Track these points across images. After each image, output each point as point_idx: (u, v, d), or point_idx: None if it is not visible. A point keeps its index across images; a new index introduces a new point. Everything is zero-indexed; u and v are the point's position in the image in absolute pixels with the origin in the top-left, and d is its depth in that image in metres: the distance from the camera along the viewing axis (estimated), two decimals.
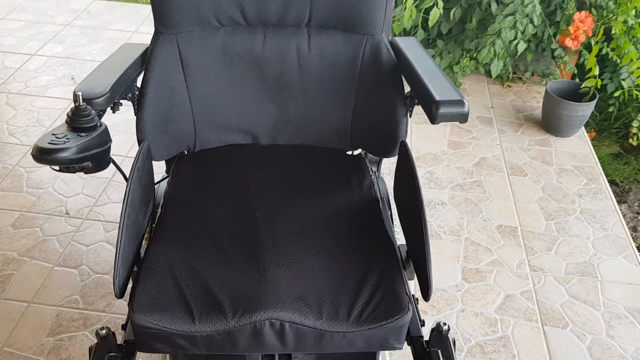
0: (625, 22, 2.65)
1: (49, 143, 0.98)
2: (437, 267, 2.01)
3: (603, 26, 2.72)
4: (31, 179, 2.32)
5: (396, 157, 1.36)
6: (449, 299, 1.91)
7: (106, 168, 1.12)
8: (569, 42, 2.69)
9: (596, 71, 2.58)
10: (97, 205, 2.22)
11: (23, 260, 1.97)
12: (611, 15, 2.68)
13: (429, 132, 2.72)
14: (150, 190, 1.31)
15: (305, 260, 1.16)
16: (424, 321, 1.19)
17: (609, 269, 2.06)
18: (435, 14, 2.65)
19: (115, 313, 1.82)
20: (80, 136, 1.02)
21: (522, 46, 2.64)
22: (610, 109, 2.99)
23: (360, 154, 1.55)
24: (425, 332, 1.16)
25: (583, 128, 2.81)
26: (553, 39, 2.85)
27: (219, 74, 1.39)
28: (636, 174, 2.92)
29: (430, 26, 2.76)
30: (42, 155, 0.98)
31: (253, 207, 1.29)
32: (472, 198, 2.34)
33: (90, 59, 3.17)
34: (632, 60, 2.62)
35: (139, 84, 1.36)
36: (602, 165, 2.63)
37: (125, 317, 1.16)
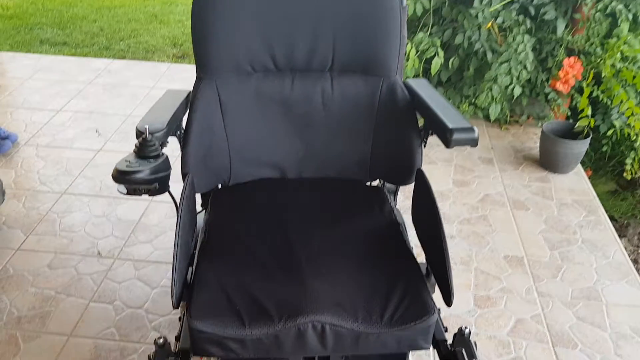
0: (613, 65, 2.86)
1: (127, 167, 1.14)
2: None
3: (592, 70, 2.93)
4: (64, 223, 2.46)
5: (411, 187, 1.52)
6: (463, 324, 2.02)
7: (166, 192, 1.27)
8: (560, 86, 2.90)
9: (588, 111, 2.77)
10: (126, 246, 2.35)
11: (60, 298, 2.09)
12: (599, 60, 2.90)
13: (434, 172, 2.89)
14: (195, 217, 1.46)
15: (338, 274, 1.29)
16: (446, 327, 1.32)
17: (613, 293, 2.18)
18: (436, 63, 2.86)
19: (149, 343, 1.93)
20: (149, 162, 1.17)
21: (517, 90, 2.85)
22: (604, 148, 3.17)
23: (379, 184, 1.70)
24: (448, 337, 1.29)
25: (580, 165, 2.98)
26: (546, 83, 3.06)
27: (252, 114, 1.56)
28: (633, 209, 3.07)
29: (432, 74, 2.97)
30: (122, 176, 1.13)
31: (286, 230, 1.44)
32: (479, 231, 2.48)
33: (112, 113, 3.37)
34: (622, 101, 2.81)
35: (183, 123, 1.52)
36: (600, 201, 2.78)
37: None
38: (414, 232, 1.49)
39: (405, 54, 1.62)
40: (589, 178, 3.10)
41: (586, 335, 1.99)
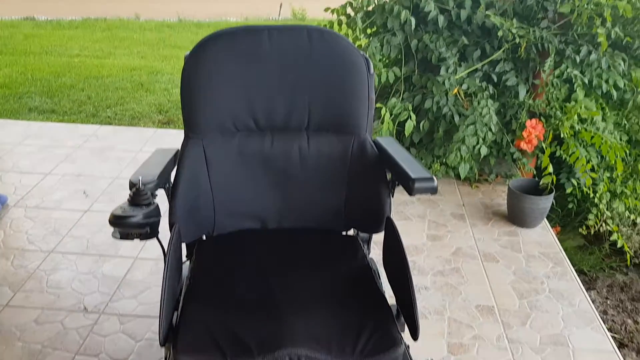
0: (572, 127, 3.08)
1: (122, 212, 1.26)
2: (425, 341, 2.22)
3: (553, 131, 3.15)
4: (51, 280, 2.54)
5: (382, 236, 1.66)
6: None
7: (156, 236, 1.38)
8: (524, 145, 3.10)
9: (550, 169, 2.96)
10: (112, 301, 2.43)
11: (47, 352, 2.15)
12: (559, 122, 3.13)
13: (410, 228, 3.03)
14: (180, 265, 1.57)
15: (314, 312, 1.41)
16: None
17: (579, 339, 2.29)
18: (409, 126, 3.07)
19: None
20: (142, 208, 1.30)
21: (484, 150, 3.04)
22: (570, 206, 3.35)
23: (353, 234, 1.84)
24: None
25: (545, 219, 3.15)
26: (511, 144, 3.27)
27: (235, 170, 1.71)
28: (601, 263, 3.23)
29: (405, 136, 3.17)
30: (117, 220, 1.26)
31: (266, 275, 1.56)
32: (452, 282, 2.60)
33: (99, 175, 3.50)
34: (578, 159, 3.01)
35: (171, 178, 1.66)
36: (569, 256, 2.92)
37: None
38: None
39: (374, 115, 1.79)
40: (558, 234, 3.26)
41: None
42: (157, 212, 1.36)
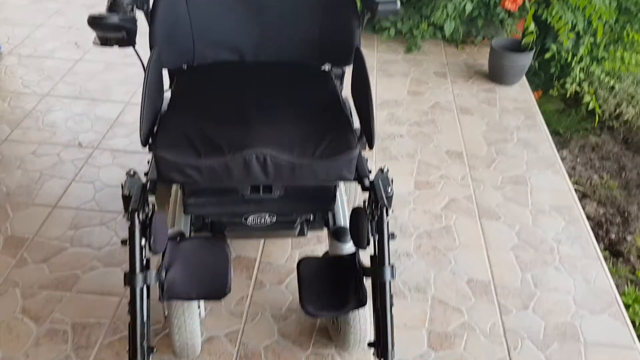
0: None
1: (98, 14, 1.36)
2: (394, 178, 2.39)
3: None
4: (47, 120, 2.68)
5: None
6: (404, 204, 2.31)
7: (134, 45, 1.49)
8: (508, 5, 3.12)
9: (532, 27, 3.01)
10: (105, 139, 2.59)
11: (45, 178, 2.33)
12: None
13: (392, 84, 3.13)
14: (161, 86, 1.68)
15: (281, 123, 1.54)
16: (370, 170, 1.59)
17: (539, 179, 2.48)
18: None
19: None
20: (118, 14, 1.40)
21: (469, 6, 3.07)
22: (552, 70, 3.42)
23: (327, 70, 1.94)
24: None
25: (525, 78, 3.24)
26: (498, 4, 3.28)
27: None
28: (577, 125, 3.36)
29: None
30: (95, 20, 1.36)
31: (241, 96, 1.68)
32: (426, 132, 2.75)
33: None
34: (561, 19, 3.04)
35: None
36: (547, 119, 3.04)
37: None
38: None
39: None
40: (539, 98, 3.37)
41: (509, 211, 2.29)
42: (133, 21, 1.45)
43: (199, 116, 1.56)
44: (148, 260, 1.38)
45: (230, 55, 1.89)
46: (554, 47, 3.22)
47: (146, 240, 1.36)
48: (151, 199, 1.48)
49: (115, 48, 1.49)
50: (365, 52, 1.62)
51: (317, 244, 2.09)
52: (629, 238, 2.59)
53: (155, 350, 1.37)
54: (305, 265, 1.52)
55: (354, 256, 1.51)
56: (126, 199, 1.40)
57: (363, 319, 1.59)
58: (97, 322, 1.77)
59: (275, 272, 1.98)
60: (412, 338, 1.80)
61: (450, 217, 2.24)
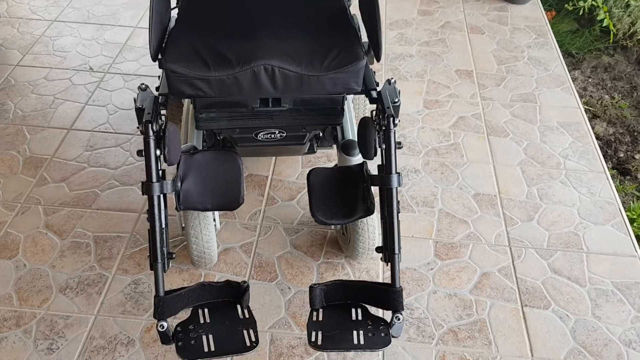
0: None
1: None
2: (403, 98, 2.41)
3: None
4: (57, 45, 2.69)
5: None
6: (413, 121, 2.33)
7: None
8: None
9: None
10: (115, 63, 2.60)
11: (59, 102, 2.37)
12: None
13: (402, 4, 3.08)
14: (168, 2, 1.68)
15: (289, 38, 1.55)
16: (378, 83, 1.60)
17: (548, 97, 2.48)
18: None
19: (140, 135, 2.23)
20: None
21: None
22: None
23: None
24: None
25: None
26: None
27: None
28: (590, 45, 3.30)
29: None
30: None
31: (249, 12, 1.68)
32: (436, 51, 2.73)
33: None
34: None
35: None
36: (559, 40, 2.99)
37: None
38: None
39: None
40: (552, 19, 3.30)
41: (517, 128, 2.31)
42: None
43: (207, 31, 1.57)
44: (164, 172, 1.43)
45: None
46: None
47: (161, 152, 1.40)
48: (163, 112, 1.51)
49: None
50: None
51: (326, 162, 2.14)
52: (637, 157, 2.60)
53: (174, 256, 1.44)
54: (315, 176, 1.57)
55: (361, 166, 1.55)
56: (139, 111, 1.44)
57: (371, 228, 1.65)
58: (117, 236, 1.86)
59: (286, 189, 2.04)
60: (419, 248, 1.86)
61: (458, 134, 2.27)
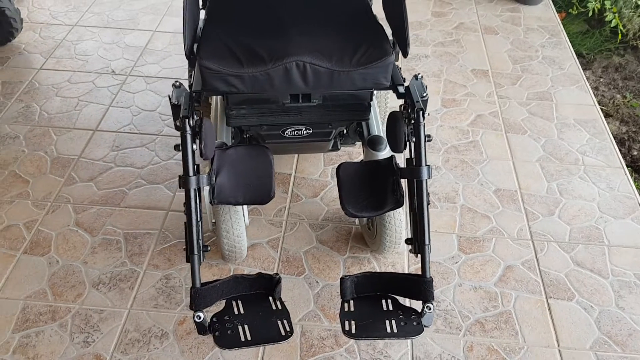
0: None
1: None
2: None
3: None
4: (78, 49, 2.74)
5: None
6: (431, 120, 2.37)
7: None
8: None
9: None
10: (136, 66, 2.65)
11: (83, 104, 2.42)
12: None
13: (416, 6, 3.12)
14: (197, 2, 1.72)
15: (319, 34, 1.59)
16: (405, 79, 1.64)
17: (564, 95, 2.51)
18: None
19: (163, 135, 2.27)
20: None
21: None
22: None
23: None
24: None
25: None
26: None
27: None
28: (600, 46, 3.34)
29: None
30: None
31: (277, 10, 1.72)
32: (451, 51, 2.77)
33: None
34: None
35: None
36: (570, 40, 3.03)
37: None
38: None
39: None
40: (563, 20, 3.34)
41: (535, 125, 2.34)
42: None
43: (238, 29, 1.61)
44: (198, 166, 1.47)
45: None
46: None
47: (197, 146, 1.44)
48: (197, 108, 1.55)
49: None
50: None
51: (347, 160, 2.17)
52: None
53: (209, 249, 1.47)
54: (344, 170, 1.60)
55: (390, 160, 1.58)
56: (176, 107, 1.48)
57: (399, 222, 1.68)
58: (147, 233, 1.89)
59: (309, 186, 2.08)
60: (443, 243, 1.89)
61: (477, 132, 2.30)
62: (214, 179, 1.51)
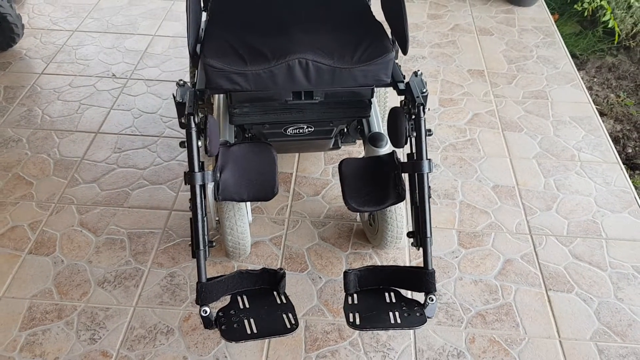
0: None
1: None
2: None
3: None
4: (79, 54, 2.77)
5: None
6: (428, 119, 2.40)
7: None
8: None
9: None
10: (137, 69, 2.67)
11: (84, 107, 2.44)
12: None
13: (411, 9, 3.16)
14: (199, 2, 1.76)
15: (320, 33, 1.62)
16: (404, 76, 1.67)
17: (558, 93, 2.55)
18: None
19: (165, 137, 2.29)
20: None
21: None
22: None
23: None
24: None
25: (543, 1, 3.26)
26: None
27: None
28: (593, 46, 3.39)
29: None
30: None
31: (278, 9, 1.75)
32: (447, 52, 2.81)
33: None
34: None
35: None
36: (564, 41, 3.08)
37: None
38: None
39: None
40: (557, 21, 3.39)
41: (531, 123, 2.38)
42: None
43: (241, 28, 1.64)
44: (203, 163, 1.49)
45: None
46: None
47: (202, 143, 1.47)
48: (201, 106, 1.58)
49: None
50: None
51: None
52: None
53: (214, 244, 1.49)
54: (346, 165, 1.63)
55: (391, 155, 1.61)
56: (180, 105, 1.51)
57: (400, 217, 1.71)
58: (150, 232, 1.91)
59: (311, 184, 2.10)
60: (443, 237, 1.92)
61: (474, 130, 2.34)
62: (218, 175, 1.53)
